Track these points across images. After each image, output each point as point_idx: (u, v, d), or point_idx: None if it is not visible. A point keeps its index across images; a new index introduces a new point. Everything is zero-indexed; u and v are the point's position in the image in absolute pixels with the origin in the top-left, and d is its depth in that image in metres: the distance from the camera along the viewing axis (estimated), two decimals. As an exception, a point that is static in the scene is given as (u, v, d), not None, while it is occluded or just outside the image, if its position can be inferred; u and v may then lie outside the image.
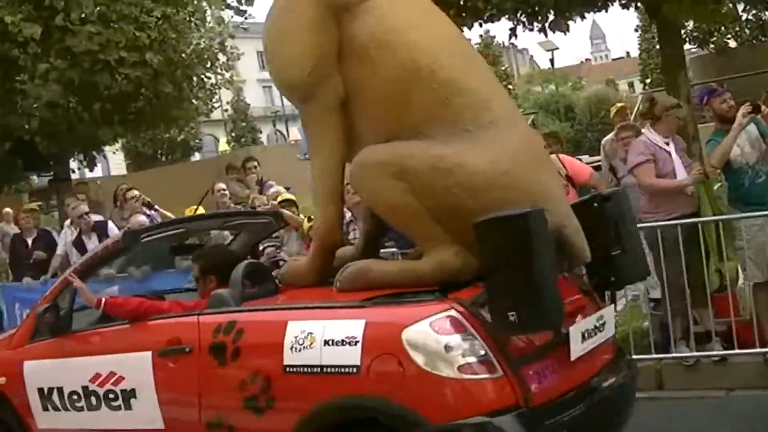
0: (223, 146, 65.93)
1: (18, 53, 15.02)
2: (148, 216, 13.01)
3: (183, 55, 16.52)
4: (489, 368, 4.64)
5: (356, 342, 4.79)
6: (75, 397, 6.00)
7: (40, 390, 6.21)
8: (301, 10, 5.53)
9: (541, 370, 4.87)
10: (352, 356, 4.79)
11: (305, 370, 4.93)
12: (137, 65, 15.31)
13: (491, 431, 4.52)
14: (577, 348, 5.11)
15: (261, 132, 72.19)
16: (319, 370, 4.89)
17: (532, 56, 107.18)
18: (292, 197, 11.26)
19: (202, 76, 17.36)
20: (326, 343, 4.90)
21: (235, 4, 16.99)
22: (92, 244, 12.48)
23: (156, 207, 13.69)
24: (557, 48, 44.78)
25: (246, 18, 17.37)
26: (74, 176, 18.83)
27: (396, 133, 5.22)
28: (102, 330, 6.16)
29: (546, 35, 11.22)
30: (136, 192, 13.39)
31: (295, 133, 60.79)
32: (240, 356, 5.20)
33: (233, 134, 68.89)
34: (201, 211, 11.74)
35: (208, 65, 17.24)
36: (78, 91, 15.17)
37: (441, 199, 4.97)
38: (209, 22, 17.62)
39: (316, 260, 5.79)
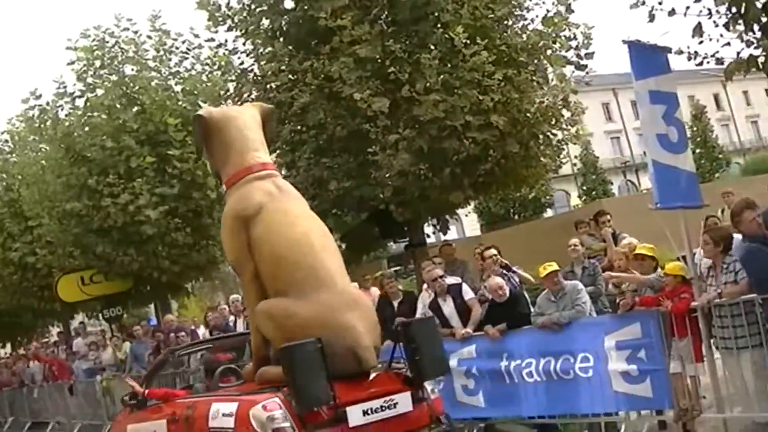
0: (575, 200, 65.71)
1: (368, 127, 15.67)
2: (505, 276, 13.08)
3: (527, 114, 16.54)
4: (290, 429, 8.56)
5: (232, 415, 8.93)
6: None
7: None
8: (228, 222, 10.07)
9: None
10: (230, 423, 8.93)
11: (216, 428, 9.14)
12: (483, 128, 15.49)
13: None
14: (356, 420, 8.83)
15: (612, 183, 71.17)
16: (220, 429, 9.05)
17: None
18: (646, 250, 10.90)
19: (548, 134, 17.29)
20: (223, 414, 9.09)
21: (575, 59, 16.86)
22: (448, 306, 12.74)
23: (514, 268, 13.73)
24: None
25: (587, 72, 17.19)
26: (429, 240, 19.27)
27: (274, 292, 9.50)
28: (154, 407, 10.85)
29: None
30: (494, 251, 13.53)
31: (646, 182, 59.57)
32: (195, 422, 9.57)
33: (584, 188, 68.42)
34: (555, 267, 11.65)
35: (553, 122, 17.16)
36: (427, 158, 15.55)
37: (289, 333, 8.97)
38: (551, 80, 17.58)
39: (253, 367, 10.12)
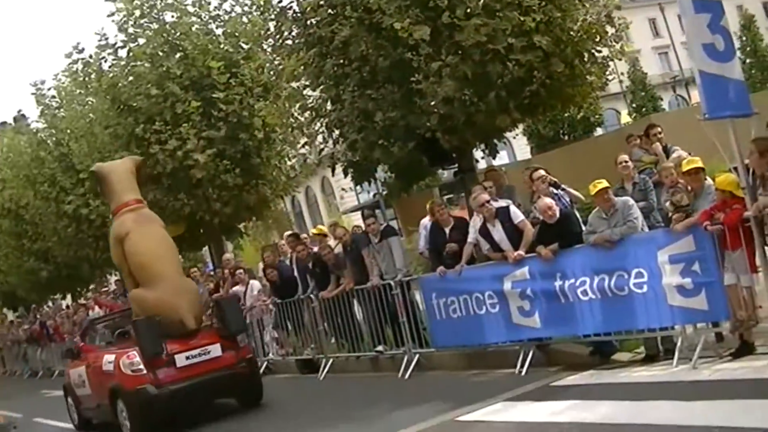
0: (625, 118, 65.06)
1: (411, 56, 15.55)
2: (555, 195, 13.05)
3: (571, 32, 16.28)
4: (143, 371, 14.09)
5: (112, 363, 14.60)
6: (78, 383, 16.43)
7: (72, 382, 16.84)
8: (111, 240, 15.84)
9: (164, 371, 14.19)
10: (111, 368, 14.59)
11: (105, 371, 14.84)
12: (526, 50, 15.29)
13: (143, 392, 14.01)
14: (181, 362, 14.28)
15: (662, 99, 70.32)
16: (108, 371, 14.76)
17: None
18: (695, 163, 10.81)
19: (593, 51, 17.03)
20: (108, 362, 14.79)
21: (617, -26, 16.54)
22: (497, 231, 12.77)
23: (563, 186, 13.72)
24: None
25: (632, -13, 16.87)
26: (479, 166, 19.21)
27: (140, 284, 15.20)
28: (83, 357, 16.38)
29: None
30: (542, 172, 13.51)
31: (696, 96, 58.78)
32: (97, 368, 15.33)
33: (633, 105, 67.74)
34: (605, 184, 11.56)
35: (597, 39, 16.88)
36: (472, 83, 15.41)
37: (144, 310, 14.79)
38: (594, -4, 17.25)
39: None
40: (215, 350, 14.60)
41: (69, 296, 41.11)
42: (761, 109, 10.82)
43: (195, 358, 14.37)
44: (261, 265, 20.00)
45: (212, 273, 24.49)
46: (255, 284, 19.29)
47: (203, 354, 14.46)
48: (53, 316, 34.47)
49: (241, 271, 19.71)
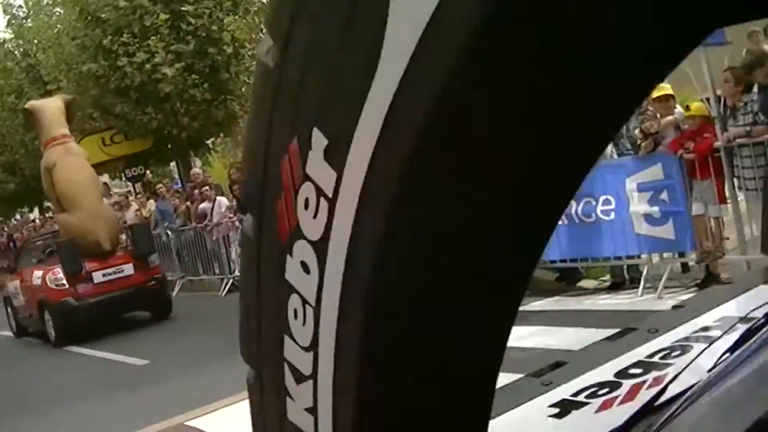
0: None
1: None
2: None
3: None
4: (66, 285, 16.33)
5: (40, 278, 16.80)
6: (14, 295, 18.58)
7: (10, 294, 18.98)
8: (42, 171, 17.54)
9: (83, 287, 16.40)
10: (39, 282, 16.77)
11: (35, 285, 17.03)
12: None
13: (65, 304, 16.21)
14: (98, 279, 16.50)
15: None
16: (36, 285, 16.95)
17: None
18: (666, 91, 10.72)
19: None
20: (37, 278, 16.96)
21: None
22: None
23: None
24: None
25: None
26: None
27: (65, 210, 17.07)
28: (18, 272, 18.53)
29: None
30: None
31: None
32: (29, 282, 17.48)
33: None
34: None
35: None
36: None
37: (67, 233, 16.82)
38: None
39: None
40: (128, 269, 16.87)
41: (36, 209, 40.86)
42: (735, 40, 10.72)
43: (110, 276, 16.66)
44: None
45: (179, 189, 24.28)
46: (222, 201, 19.16)
47: (117, 272, 16.76)
48: (20, 229, 34.31)
49: (207, 187, 19.56)
